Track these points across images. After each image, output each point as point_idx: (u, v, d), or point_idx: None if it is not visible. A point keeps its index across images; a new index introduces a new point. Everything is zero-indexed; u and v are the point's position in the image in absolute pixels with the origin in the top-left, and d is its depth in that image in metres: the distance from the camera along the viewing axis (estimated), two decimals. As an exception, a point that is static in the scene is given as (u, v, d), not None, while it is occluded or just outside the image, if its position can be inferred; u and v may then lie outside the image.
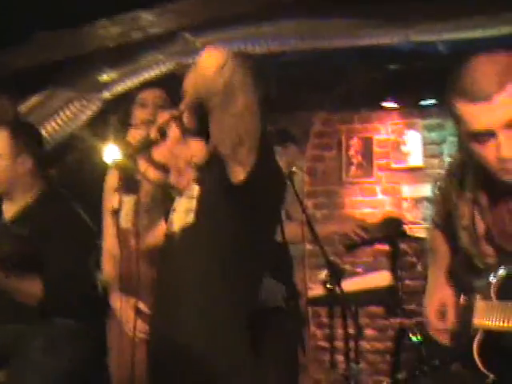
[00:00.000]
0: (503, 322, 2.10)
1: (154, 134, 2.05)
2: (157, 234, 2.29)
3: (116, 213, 2.16)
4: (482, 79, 1.94)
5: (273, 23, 3.98)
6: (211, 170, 2.08)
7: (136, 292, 2.49)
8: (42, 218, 3.02)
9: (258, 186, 1.98)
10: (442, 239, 2.43)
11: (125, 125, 3.02)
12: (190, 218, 2.09)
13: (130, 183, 2.23)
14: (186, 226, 2.09)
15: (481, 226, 2.20)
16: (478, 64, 1.98)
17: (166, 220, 2.23)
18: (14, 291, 2.93)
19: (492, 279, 2.16)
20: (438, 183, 2.42)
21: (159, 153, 2.07)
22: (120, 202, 2.11)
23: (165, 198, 2.21)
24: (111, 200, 2.95)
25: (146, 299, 2.44)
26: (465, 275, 2.27)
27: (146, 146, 2.07)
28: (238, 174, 1.98)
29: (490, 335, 2.14)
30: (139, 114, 2.97)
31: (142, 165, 2.08)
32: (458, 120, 2.02)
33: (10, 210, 3.15)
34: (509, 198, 2.14)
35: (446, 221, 2.37)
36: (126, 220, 2.68)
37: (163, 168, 2.09)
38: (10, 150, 3.09)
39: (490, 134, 1.97)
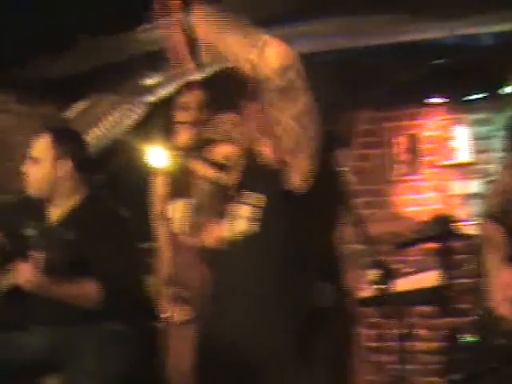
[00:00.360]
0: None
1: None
2: (210, 235, 2.28)
3: (167, 218, 2.15)
4: None
5: (315, 21, 3.96)
6: (267, 177, 2.06)
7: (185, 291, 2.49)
8: (88, 223, 3.04)
9: (315, 192, 1.96)
10: (497, 232, 2.39)
11: (169, 128, 3.04)
12: (249, 225, 2.08)
13: (179, 186, 2.22)
14: (244, 233, 2.08)
15: None
16: None
17: (221, 221, 2.22)
18: (64, 296, 2.95)
19: None
20: (494, 176, 2.38)
21: (215, 151, 2.06)
22: (171, 207, 2.11)
23: (220, 197, 2.19)
24: (161, 205, 2.96)
25: (195, 299, 2.44)
26: None
27: (198, 145, 2.06)
28: (295, 181, 1.96)
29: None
30: (181, 117, 2.98)
31: (197, 164, 2.08)
32: None
33: (54, 215, 3.18)
34: None
35: (503, 213, 2.33)
36: (179, 224, 2.68)
37: (219, 166, 2.08)
38: (50, 155, 3.13)
39: None
